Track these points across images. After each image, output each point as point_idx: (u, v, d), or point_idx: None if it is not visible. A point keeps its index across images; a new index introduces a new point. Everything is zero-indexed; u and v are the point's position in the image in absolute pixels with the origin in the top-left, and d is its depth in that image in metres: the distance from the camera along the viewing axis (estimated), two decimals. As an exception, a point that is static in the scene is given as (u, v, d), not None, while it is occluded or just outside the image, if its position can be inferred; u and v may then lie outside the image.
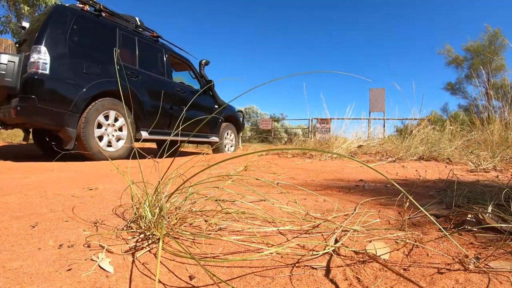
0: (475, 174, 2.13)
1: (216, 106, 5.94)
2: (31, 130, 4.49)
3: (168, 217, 0.96)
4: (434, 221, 0.77)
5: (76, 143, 3.59)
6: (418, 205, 0.67)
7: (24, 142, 4.51)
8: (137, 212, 0.97)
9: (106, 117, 3.86)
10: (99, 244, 0.83)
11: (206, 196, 1.24)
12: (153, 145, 7.32)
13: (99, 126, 3.78)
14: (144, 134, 4.29)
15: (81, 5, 4.09)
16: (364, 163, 0.74)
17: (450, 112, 22.24)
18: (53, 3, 9.10)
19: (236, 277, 0.68)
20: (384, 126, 8.59)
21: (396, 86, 4.35)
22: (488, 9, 37.85)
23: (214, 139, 5.84)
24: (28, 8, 8.97)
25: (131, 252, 0.79)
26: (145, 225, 0.89)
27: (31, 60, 3.27)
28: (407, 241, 0.84)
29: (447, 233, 0.82)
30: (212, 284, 0.65)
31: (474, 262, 0.69)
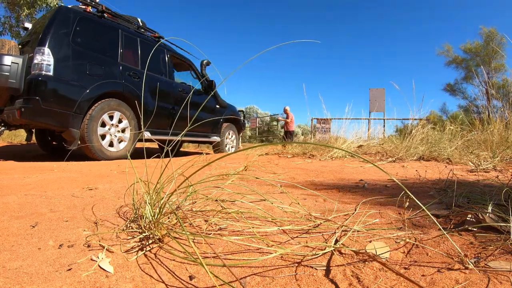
0: (475, 174, 2.13)
1: (218, 106, 5.95)
2: (33, 130, 4.50)
3: (168, 217, 0.96)
4: (435, 220, 0.77)
5: (79, 142, 3.62)
6: (421, 204, 0.67)
7: (26, 142, 4.52)
8: (137, 212, 0.98)
9: (111, 117, 3.88)
10: (99, 244, 0.83)
11: (206, 196, 1.24)
12: (154, 145, 7.31)
13: (103, 124, 3.80)
14: (147, 134, 4.31)
15: (83, 7, 4.10)
16: (371, 162, 0.74)
17: (449, 112, 22.12)
18: (55, 4, 9.08)
19: (236, 277, 0.68)
20: (384, 126, 8.58)
21: (395, 86, 4.35)
22: (489, 10, 37.85)
23: (215, 138, 5.84)
24: (28, 10, 8.95)
25: (131, 252, 0.79)
26: (145, 225, 0.89)
27: (35, 61, 3.28)
28: (407, 240, 0.84)
29: (446, 233, 0.82)
30: (213, 286, 0.65)
31: (474, 262, 0.69)
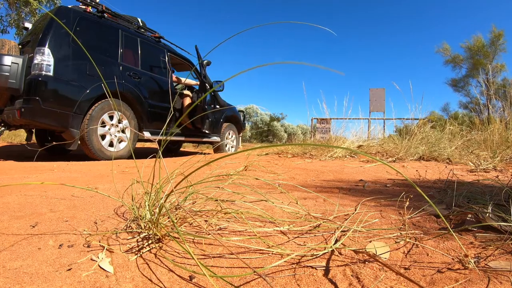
0: (475, 174, 2.13)
1: (217, 106, 5.94)
2: (33, 130, 4.51)
3: (168, 217, 0.95)
4: (440, 214, 0.77)
5: (79, 142, 3.62)
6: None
7: (26, 142, 4.52)
8: (137, 212, 0.98)
9: (111, 117, 3.88)
10: (99, 244, 0.83)
11: (206, 196, 1.24)
12: (154, 145, 7.32)
13: (103, 124, 3.80)
14: (147, 134, 4.31)
15: (84, 7, 4.11)
16: (375, 159, 0.74)
17: (450, 112, 21.96)
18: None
19: (236, 277, 0.68)
20: (384, 126, 8.57)
21: (395, 86, 4.35)
22: (491, 11, 37.82)
23: (216, 139, 5.84)
24: (36, 4, 8.96)
25: (131, 252, 0.79)
26: (145, 225, 0.89)
27: (35, 61, 3.28)
28: (407, 240, 0.84)
29: (446, 233, 0.82)
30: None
31: (474, 262, 0.69)
